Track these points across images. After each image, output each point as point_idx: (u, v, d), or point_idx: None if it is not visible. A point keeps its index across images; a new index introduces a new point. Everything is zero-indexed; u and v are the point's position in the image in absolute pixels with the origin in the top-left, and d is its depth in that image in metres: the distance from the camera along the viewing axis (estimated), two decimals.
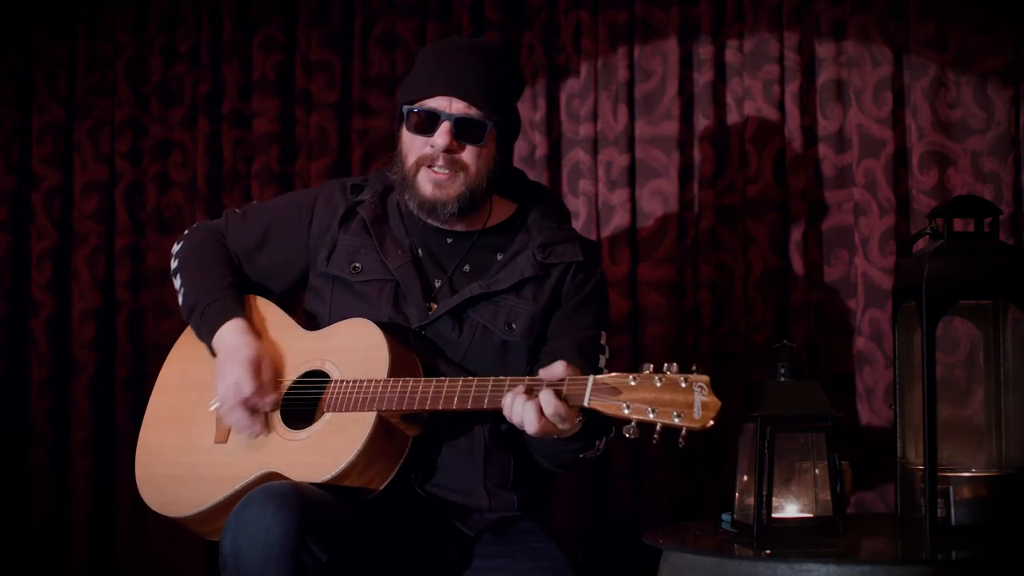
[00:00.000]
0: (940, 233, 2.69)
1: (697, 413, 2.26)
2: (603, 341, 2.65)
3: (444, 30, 3.45)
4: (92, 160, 3.58)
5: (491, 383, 2.42)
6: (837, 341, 3.26)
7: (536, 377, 2.39)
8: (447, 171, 2.60)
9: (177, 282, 2.78)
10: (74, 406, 3.53)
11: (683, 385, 2.28)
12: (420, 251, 2.69)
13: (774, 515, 2.59)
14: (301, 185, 3.46)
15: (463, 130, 2.59)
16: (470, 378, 2.45)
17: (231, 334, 2.64)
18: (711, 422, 2.26)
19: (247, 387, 2.56)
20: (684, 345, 3.29)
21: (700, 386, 2.28)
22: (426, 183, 2.61)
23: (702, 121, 3.33)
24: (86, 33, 3.59)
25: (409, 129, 2.62)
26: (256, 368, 2.58)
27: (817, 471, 2.63)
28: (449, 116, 2.58)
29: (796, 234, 3.25)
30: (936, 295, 2.60)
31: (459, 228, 2.68)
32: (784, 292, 3.28)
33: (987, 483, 2.63)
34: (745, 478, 2.67)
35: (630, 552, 3.24)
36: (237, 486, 2.53)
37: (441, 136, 2.58)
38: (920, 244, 2.81)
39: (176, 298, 2.78)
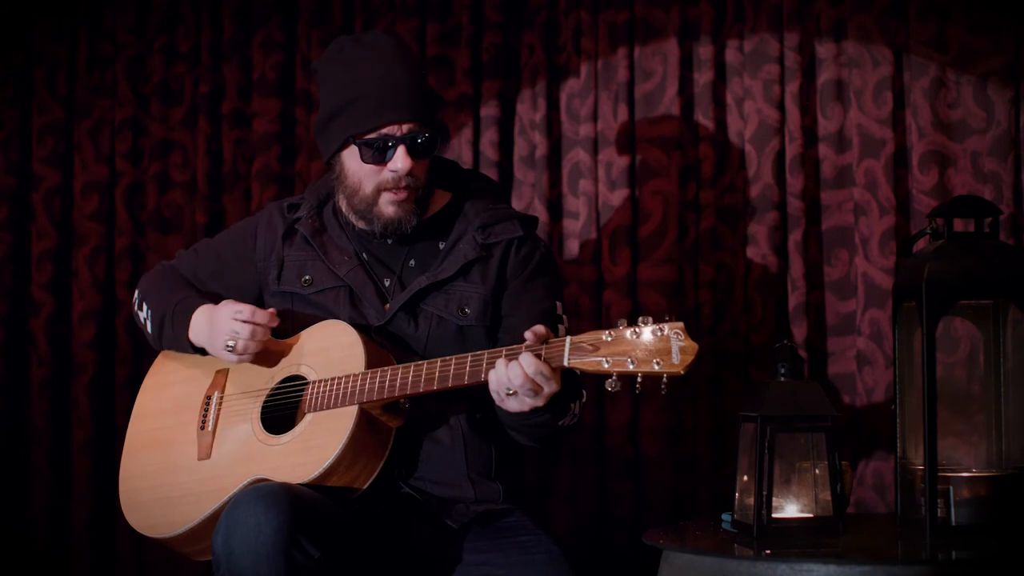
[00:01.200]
0: (940, 233, 2.69)
1: (676, 358, 2.29)
2: (560, 311, 2.67)
3: (444, 30, 3.45)
4: (92, 160, 3.58)
5: (469, 358, 2.45)
6: (837, 341, 3.26)
7: (513, 346, 2.41)
8: (406, 191, 2.62)
9: (143, 314, 2.84)
10: (74, 406, 3.53)
11: (660, 334, 2.31)
12: (364, 255, 2.72)
13: (774, 515, 2.59)
14: (301, 185, 3.47)
15: (415, 148, 2.61)
16: (447, 358, 2.48)
17: (205, 312, 2.69)
18: (690, 364, 2.29)
19: (245, 310, 2.61)
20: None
21: (676, 332, 2.31)
22: (388, 206, 2.64)
23: (702, 121, 3.33)
24: (86, 33, 3.59)
25: (364, 160, 2.62)
26: (239, 307, 2.63)
27: (817, 471, 2.63)
28: (403, 139, 2.59)
29: (796, 234, 3.25)
30: (936, 295, 2.60)
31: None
32: (784, 292, 3.27)
33: (987, 483, 2.63)
34: (745, 478, 2.67)
35: (630, 552, 3.24)
36: (224, 498, 2.54)
37: (400, 161, 2.59)
38: (920, 244, 2.81)
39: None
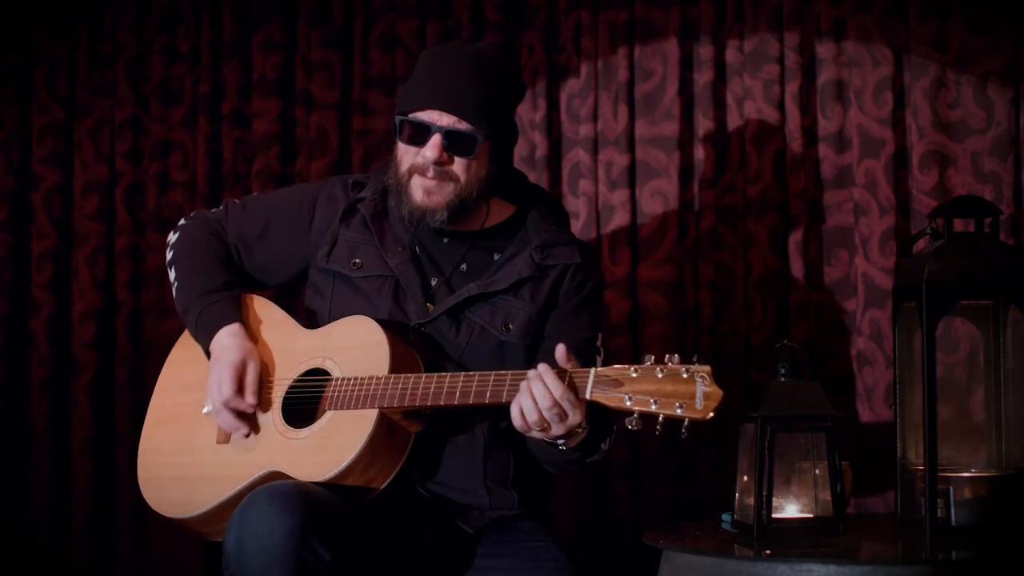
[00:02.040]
0: (940, 233, 2.69)
1: (699, 403, 2.27)
2: (599, 343, 2.65)
3: (444, 30, 3.45)
4: (92, 160, 3.58)
5: (492, 377, 2.43)
6: (837, 341, 3.26)
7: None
8: (436, 179, 2.61)
9: (172, 274, 2.79)
10: (74, 406, 3.53)
11: (685, 376, 2.29)
12: (418, 249, 2.69)
13: (774, 515, 2.59)
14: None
15: (453, 142, 2.59)
16: (471, 373, 2.46)
17: (225, 336, 2.66)
18: (713, 412, 2.27)
19: (227, 389, 2.58)
20: (684, 345, 3.29)
21: (702, 376, 2.29)
22: (417, 190, 2.62)
23: (702, 121, 3.33)
24: (86, 33, 3.59)
25: (402, 140, 2.63)
26: (239, 371, 2.60)
27: (817, 471, 2.62)
28: (439, 128, 2.58)
29: (796, 234, 3.25)
30: (936, 295, 2.59)
31: (456, 228, 2.69)
32: (784, 292, 3.27)
33: (987, 483, 2.63)
34: (745, 478, 2.67)
35: (630, 552, 3.24)
36: (240, 486, 2.53)
37: (431, 149, 2.59)
38: (920, 244, 2.81)
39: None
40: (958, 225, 2.69)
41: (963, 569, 2.46)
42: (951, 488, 2.60)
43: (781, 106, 3.28)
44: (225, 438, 2.64)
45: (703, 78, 3.33)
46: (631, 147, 3.36)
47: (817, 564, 2.38)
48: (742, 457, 2.68)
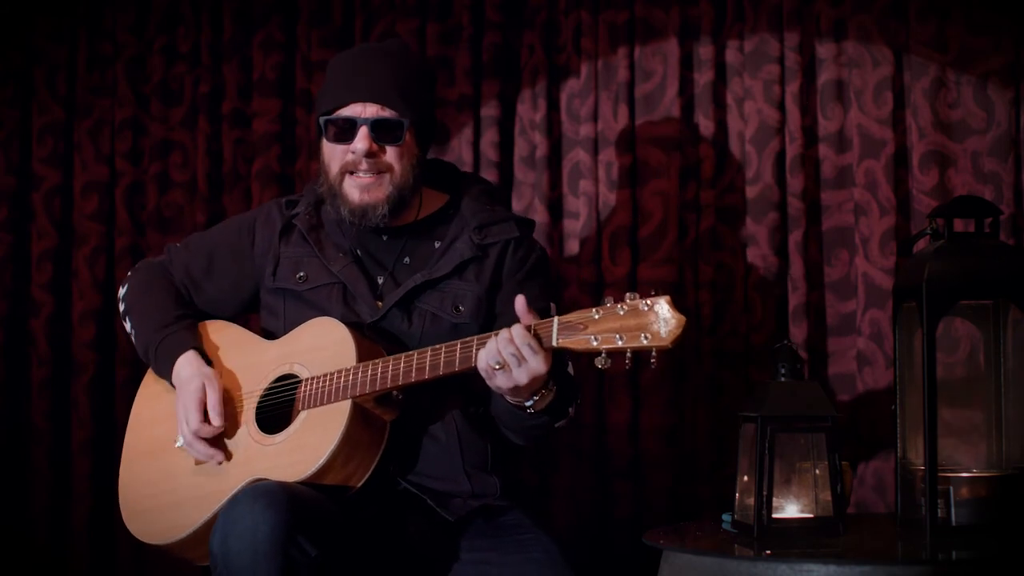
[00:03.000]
0: (940, 233, 2.69)
1: (663, 331, 2.30)
2: (553, 312, 2.66)
3: (444, 30, 3.45)
4: (92, 160, 3.58)
5: (459, 344, 2.46)
6: (837, 341, 3.26)
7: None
8: (371, 175, 2.64)
9: (128, 325, 2.84)
10: (74, 406, 3.53)
11: (645, 308, 2.32)
12: (359, 251, 2.73)
13: (774, 515, 2.59)
14: (301, 185, 3.47)
15: (381, 132, 2.63)
16: (437, 346, 2.49)
17: (183, 367, 2.69)
18: (677, 336, 2.29)
19: (193, 420, 2.61)
20: (684, 345, 3.29)
21: (662, 305, 2.31)
22: (353, 189, 2.66)
23: (702, 121, 3.33)
24: (86, 33, 3.59)
25: (329, 139, 2.67)
26: (200, 398, 2.63)
27: (817, 471, 2.63)
28: (365, 120, 2.63)
29: (796, 234, 3.25)
30: (936, 295, 2.60)
31: (393, 224, 2.72)
32: (784, 292, 3.27)
33: (987, 483, 2.63)
34: (745, 478, 2.67)
35: (631, 552, 3.24)
36: (223, 500, 2.53)
37: (361, 141, 2.62)
38: (920, 244, 2.81)
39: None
40: (958, 225, 2.69)
41: (963, 569, 2.46)
42: (951, 488, 2.60)
43: (781, 106, 3.28)
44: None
45: (703, 78, 3.33)
46: (631, 147, 3.36)
47: (817, 564, 2.38)
48: (742, 457, 2.68)
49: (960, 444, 2.71)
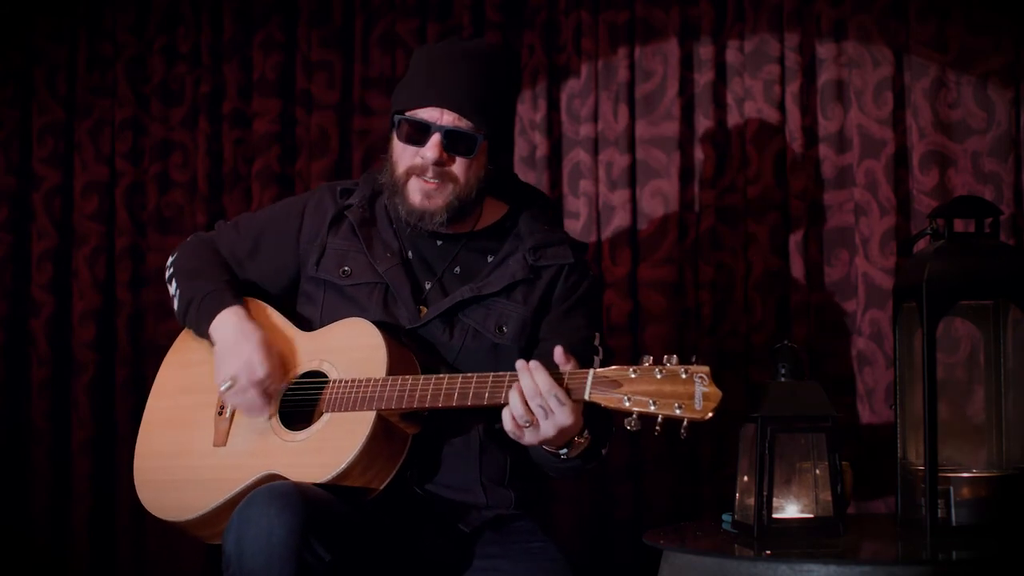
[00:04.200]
0: (940, 233, 2.69)
1: (698, 404, 2.27)
2: (597, 343, 2.64)
3: (444, 30, 3.45)
4: (92, 160, 3.58)
5: (491, 378, 2.42)
6: (837, 341, 3.26)
7: None
8: (436, 181, 2.59)
9: (172, 287, 2.78)
10: (74, 406, 3.53)
11: (683, 376, 2.29)
12: (410, 253, 2.69)
13: (775, 515, 2.59)
14: (301, 185, 3.47)
15: (453, 142, 2.57)
16: (469, 375, 2.45)
17: (234, 319, 2.64)
18: (712, 413, 2.26)
19: (261, 369, 2.56)
20: (684, 345, 3.29)
21: (701, 377, 2.29)
22: (415, 193, 2.61)
23: (703, 121, 3.33)
24: (86, 33, 3.59)
25: (400, 138, 2.61)
26: (268, 350, 2.58)
27: (817, 471, 2.63)
28: (440, 128, 2.56)
29: (796, 234, 3.25)
30: (936, 295, 2.60)
31: (448, 231, 2.67)
32: (784, 292, 3.28)
33: (987, 483, 2.63)
34: (745, 478, 2.67)
35: (631, 553, 3.24)
36: (238, 488, 2.53)
37: (431, 149, 2.56)
38: (921, 244, 2.81)
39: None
40: (958, 225, 2.70)
41: (963, 569, 2.46)
42: (951, 488, 2.60)
43: (781, 106, 3.28)
44: (223, 440, 2.63)
45: (703, 78, 3.33)
46: (631, 147, 3.36)
47: (817, 564, 2.38)
48: (742, 457, 2.69)
49: (960, 444, 2.71)
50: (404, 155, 2.61)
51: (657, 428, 2.30)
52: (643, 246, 3.34)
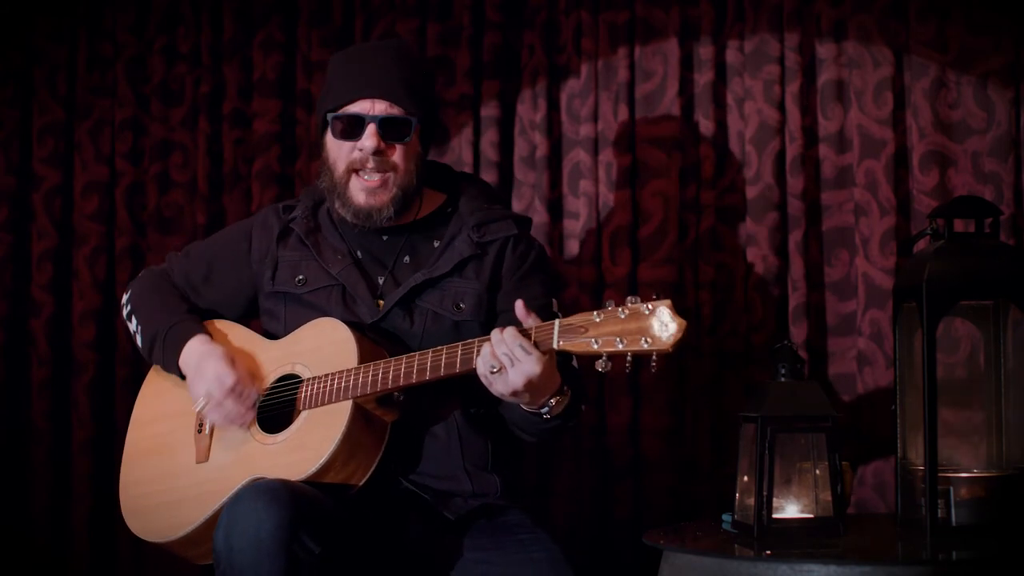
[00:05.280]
0: (941, 233, 2.69)
1: (664, 335, 2.30)
2: (555, 308, 2.68)
3: (444, 30, 3.45)
4: (93, 160, 3.58)
5: (460, 346, 2.46)
6: (837, 341, 3.26)
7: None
8: (377, 176, 2.65)
9: (132, 325, 2.84)
10: (74, 406, 3.53)
11: (647, 312, 2.32)
12: (359, 252, 2.74)
13: (775, 515, 2.60)
14: (301, 186, 3.47)
15: (389, 130, 2.64)
16: (439, 347, 2.49)
17: (197, 345, 2.69)
18: (678, 340, 2.29)
19: (229, 378, 2.61)
20: (685, 345, 3.28)
21: (663, 309, 2.31)
22: (358, 192, 2.66)
23: (702, 121, 3.33)
24: (86, 33, 3.59)
25: (335, 136, 2.67)
26: (232, 360, 2.64)
27: (817, 471, 2.63)
28: (374, 118, 2.63)
29: (796, 234, 3.25)
30: (937, 295, 2.60)
31: (392, 224, 2.72)
32: (784, 292, 3.27)
33: (987, 483, 2.63)
34: (745, 478, 2.67)
35: (631, 553, 3.24)
36: (224, 499, 2.53)
37: (369, 139, 2.63)
38: (921, 244, 2.81)
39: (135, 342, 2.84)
40: (958, 225, 2.70)
41: (963, 569, 2.46)
42: (951, 488, 2.60)
43: (781, 106, 3.28)
44: (204, 456, 2.66)
45: (703, 78, 3.33)
46: (631, 147, 3.36)
47: (817, 564, 2.38)
48: (742, 457, 2.69)
49: (960, 444, 2.71)
50: (341, 153, 2.67)
51: (627, 364, 2.33)
52: (643, 246, 3.34)
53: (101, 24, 3.59)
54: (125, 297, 2.89)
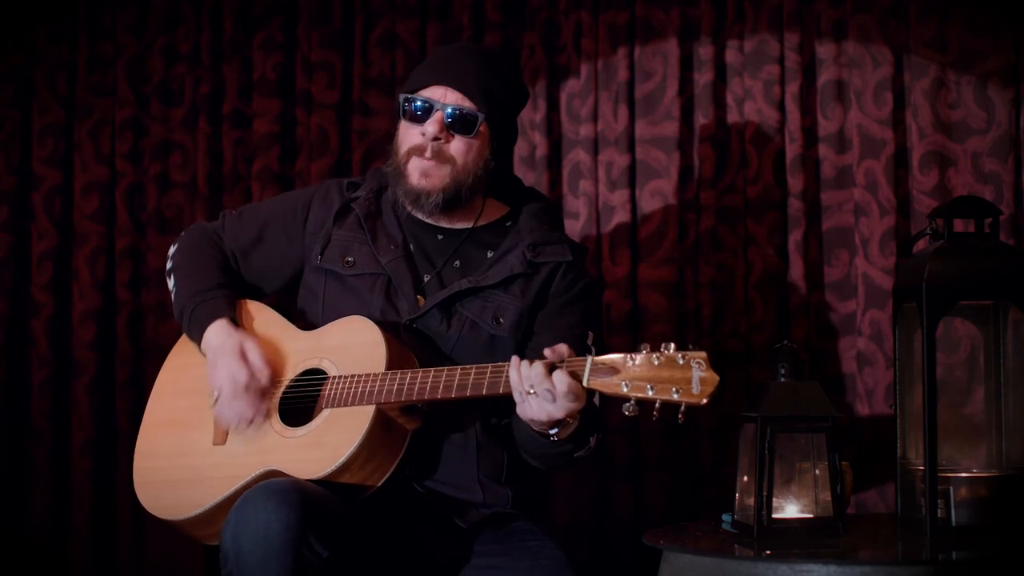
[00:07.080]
0: (940, 233, 2.69)
1: (696, 388, 2.28)
2: (590, 341, 2.64)
3: (444, 30, 3.45)
4: (93, 160, 3.58)
5: (489, 369, 2.44)
6: (837, 341, 3.26)
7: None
8: (434, 160, 2.63)
9: (171, 282, 2.81)
10: (75, 407, 3.52)
11: (681, 362, 2.30)
12: (412, 246, 2.71)
13: (774, 515, 2.59)
14: (301, 186, 3.47)
15: (455, 120, 2.63)
16: (468, 366, 2.47)
17: (216, 333, 2.66)
18: (709, 397, 2.28)
19: (242, 375, 2.58)
20: (684, 345, 3.29)
21: (698, 362, 2.30)
22: (414, 172, 2.65)
23: (702, 121, 3.33)
24: (87, 33, 3.59)
25: (405, 118, 2.67)
26: (242, 356, 2.61)
27: (817, 471, 2.63)
28: (443, 106, 2.63)
29: (796, 234, 3.25)
30: (936, 295, 2.60)
31: (450, 225, 2.71)
32: (784, 292, 3.28)
33: (987, 483, 2.63)
34: (745, 478, 2.67)
35: (631, 553, 3.24)
36: (236, 486, 2.53)
37: (432, 124, 2.62)
38: (920, 244, 2.81)
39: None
40: (958, 225, 2.70)
41: (963, 569, 2.46)
42: (951, 488, 2.60)
43: (781, 106, 3.28)
44: (222, 439, 2.64)
45: (703, 78, 3.33)
46: (631, 147, 3.36)
47: (817, 564, 2.38)
48: (742, 457, 2.69)
49: (960, 444, 2.71)
50: (407, 135, 2.67)
51: (655, 413, 2.31)
52: (643, 246, 3.34)
53: (101, 24, 3.59)
54: (172, 249, 2.85)
